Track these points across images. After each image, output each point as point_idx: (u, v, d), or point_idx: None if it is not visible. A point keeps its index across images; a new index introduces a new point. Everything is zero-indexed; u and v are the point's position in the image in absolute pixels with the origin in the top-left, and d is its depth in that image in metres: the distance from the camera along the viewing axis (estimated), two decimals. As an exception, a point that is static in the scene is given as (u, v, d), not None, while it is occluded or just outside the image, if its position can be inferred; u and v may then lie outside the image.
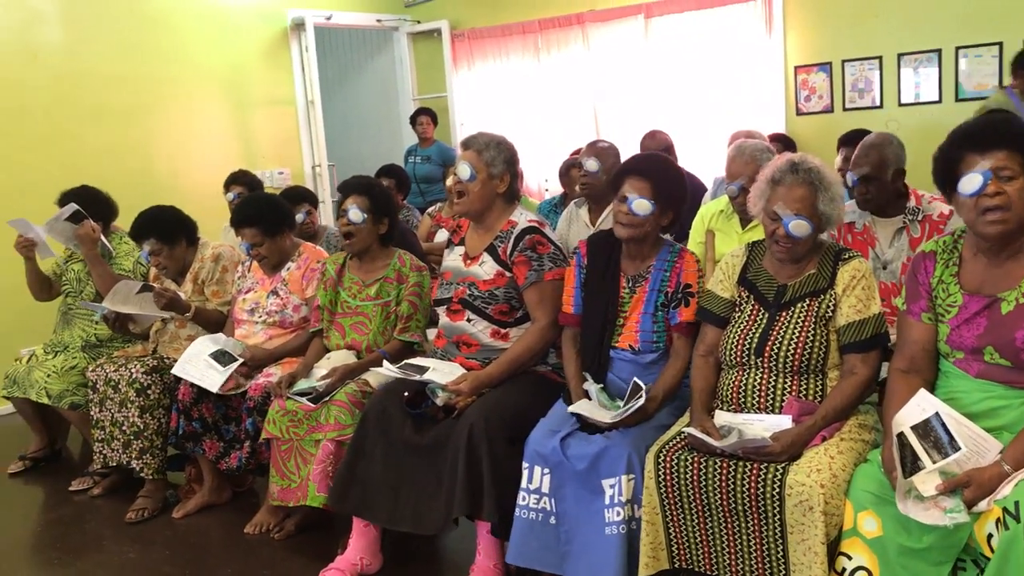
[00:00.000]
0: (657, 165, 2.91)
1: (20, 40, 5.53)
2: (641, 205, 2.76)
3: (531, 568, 2.75)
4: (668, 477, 2.40)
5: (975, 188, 2.12)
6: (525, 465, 2.71)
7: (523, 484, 2.70)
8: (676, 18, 6.53)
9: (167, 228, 3.87)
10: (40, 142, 5.54)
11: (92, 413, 3.86)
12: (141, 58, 6.11)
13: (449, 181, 5.31)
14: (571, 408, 2.71)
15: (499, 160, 3.08)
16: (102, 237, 4.15)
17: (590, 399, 2.75)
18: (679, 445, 2.45)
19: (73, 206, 4.07)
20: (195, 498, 3.79)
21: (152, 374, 3.75)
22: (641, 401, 2.60)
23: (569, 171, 4.94)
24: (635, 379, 2.69)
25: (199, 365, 3.49)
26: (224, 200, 5.21)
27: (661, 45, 6.62)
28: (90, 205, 4.18)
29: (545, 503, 2.69)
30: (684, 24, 6.51)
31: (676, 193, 2.87)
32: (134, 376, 3.73)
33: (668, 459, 2.41)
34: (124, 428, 3.75)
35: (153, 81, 6.18)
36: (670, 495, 2.40)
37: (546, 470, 2.68)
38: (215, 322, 3.85)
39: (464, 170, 3.07)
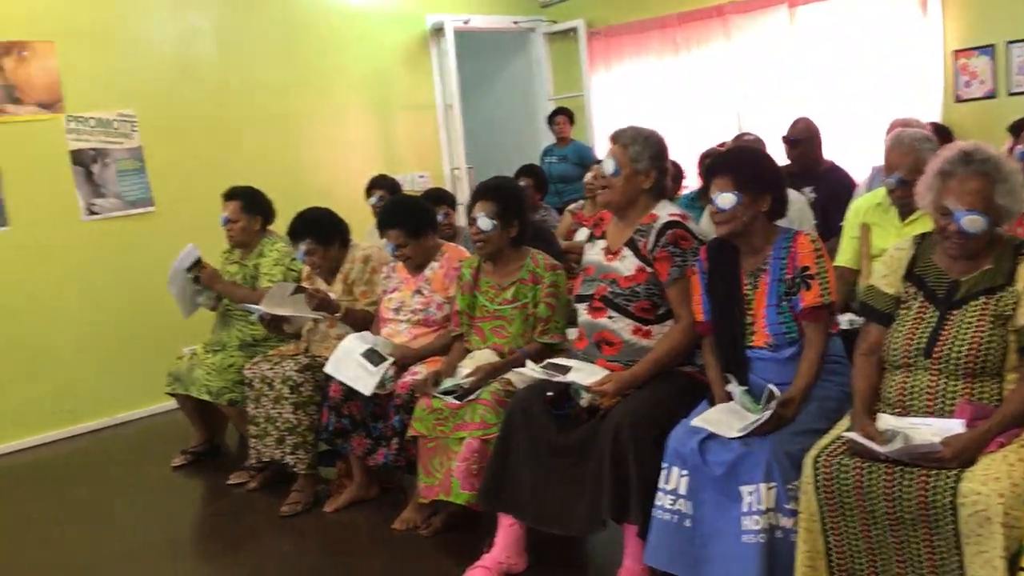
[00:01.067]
0: (733, 157, 2.88)
1: (180, 54, 5.84)
2: (724, 199, 2.69)
3: (668, 571, 2.67)
4: (828, 483, 2.28)
5: None
6: (664, 465, 2.63)
7: (660, 484, 2.63)
8: (823, 5, 6.27)
9: (323, 229, 4.00)
10: (200, 149, 5.85)
11: (248, 409, 4.02)
12: (289, 67, 6.34)
13: (588, 177, 5.29)
14: (694, 421, 2.62)
15: (645, 155, 3.02)
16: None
17: (732, 401, 2.67)
18: (839, 450, 2.33)
19: (192, 253, 4.28)
20: (345, 493, 3.89)
21: (304, 372, 3.87)
22: (768, 413, 2.49)
23: (707, 162, 4.82)
24: (769, 385, 2.59)
25: (351, 365, 3.57)
26: (366, 203, 5.35)
27: (807, 34, 6.36)
28: (252, 202, 4.41)
29: (682, 505, 2.61)
30: (832, 11, 6.24)
31: (764, 177, 2.77)
32: (288, 374, 3.86)
33: (827, 464, 2.29)
34: (278, 424, 3.89)
35: (300, 89, 6.40)
36: (830, 502, 2.28)
37: (684, 471, 2.59)
38: (363, 322, 3.94)
39: (608, 164, 3.02)
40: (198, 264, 4.30)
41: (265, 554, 3.58)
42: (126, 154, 5.59)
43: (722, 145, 5.76)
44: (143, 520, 4.04)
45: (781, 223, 2.84)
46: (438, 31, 7.17)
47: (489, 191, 3.53)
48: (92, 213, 5.48)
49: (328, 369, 3.64)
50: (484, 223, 3.42)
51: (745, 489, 2.47)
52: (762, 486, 2.43)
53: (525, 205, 3.66)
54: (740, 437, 2.51)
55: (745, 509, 2.46)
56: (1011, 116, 4.63)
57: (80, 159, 5.42)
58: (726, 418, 2.59)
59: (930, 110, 5.86)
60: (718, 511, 2.53)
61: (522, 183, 5.34)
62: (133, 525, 4.00)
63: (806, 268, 2.68)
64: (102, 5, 5.51)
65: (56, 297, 5.32)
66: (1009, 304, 2.32)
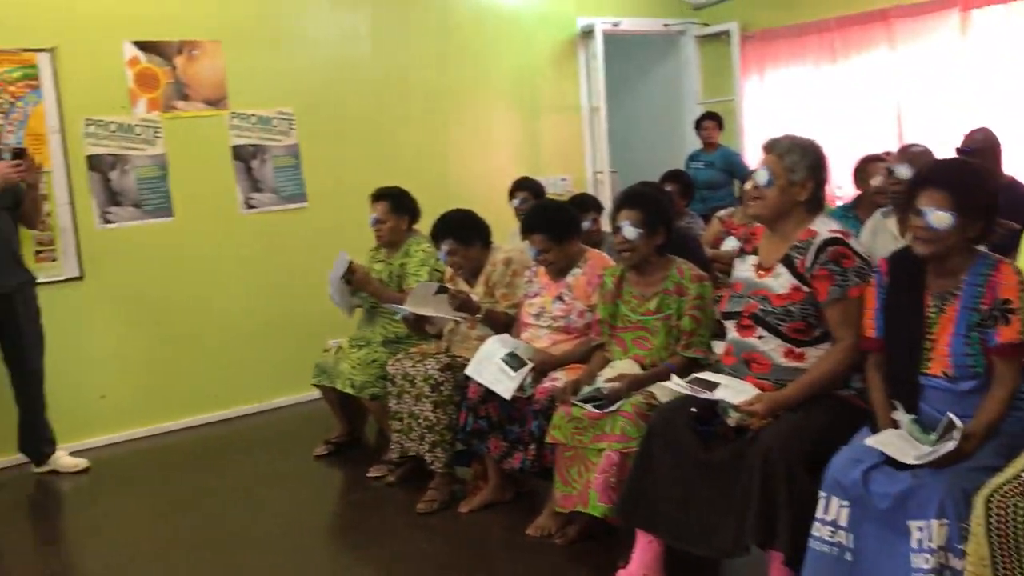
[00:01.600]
0: (956, 172, 2.62)
1: (337, 54, 6.02)
2: (940, 218, 2.47)
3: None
4: (1002, 526, 2.12)
5: None
6: (822, 494, 2.51)
7: (818, 514, 2.50)
8: (1000, 9, 5.89)
9: (465, 230, 4.04)
10: (353, 147, 6.02)
11: (391, 405, 4.10)
12: (440, 68, 6.45)
13: (748, 185, 5.11)
14: (870, 440, 2.47)
15: (802, 166, 2.89)
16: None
17: (899, 429, 2.51)
18: (1017, 491, 2.16)
19: (344, 260, 4.37)
20: (480, 495, 3.90)
21: (445, 371, 3.91)
22: (952, 444, 2.32)
23: (866, 166, 4.57)
24: (949, 414, 2.40)
25: (491, 368, 3.58)
26: (509, 205, 5.37)
27: (982, 40, 5.98)
28: (400, 203, 4.50)
29: (841, 537, 2.48)
30: (1008, 16, 5.85)
31: (982, 201, 2.54)
32: (429, 372, 3.91)
33: (1002, 505, 2.13)
34: (419, 421, 3.95)
35: (449, 89, 6.50)
36: (1003, 547, 2.12)
37: (845, 502, 2.47)
38: (503, 324, 3.95)
39: (761, 175, 2.91)
40: (350, 269, 4.41)
41: (400, 550, 3.63)
42: (283, 151, 5.80)
43: (888, 154, 5.49)
44: (285, 506, 4.18)
45: None
46: (587, 33, 7.14)
47: (634, 198, 3.47)
48: (249, 207, 5.71)
49: (469, 371, 3.66)
50: (629, 232, 3.37)
51: (914, 524, 2.33)
52: (934, 522, 2.29)
53: (671, 213, 3.59)
54: (911, 466, 2.36)
55: (915, 546, 2.32)
56: None
57: (240, 154, 5.67)
58: (900, 444, 2.44)
59: None
60: (883, 546, 2.39)
61: (667, 189, 5.24)
62: (275, 511, 4.13)
63: (1008, 301, 2.49)
64: (266, 6, 5.75)
65: (213, 286, 5.58)
66: None
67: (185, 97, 5.48)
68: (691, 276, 3.41)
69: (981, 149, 4.24)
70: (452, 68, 6.52)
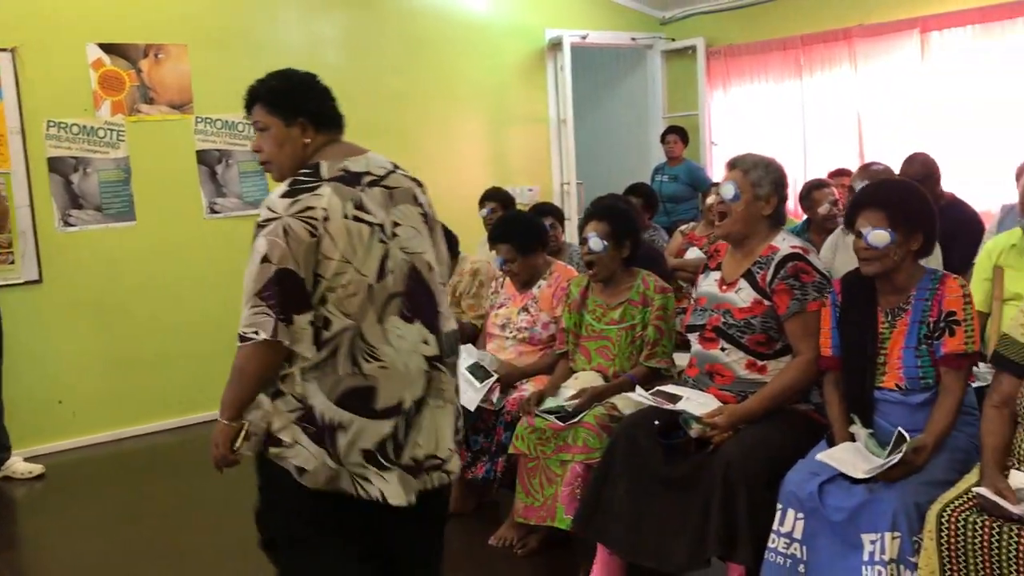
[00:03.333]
0: (890, 191, 2.71)
1: (307, 61, 5.86)
2: (878, 236, 2.55)
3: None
4: (952, 540, 2.17)
5: None
6: (779, 506, 2.55)
7: (775, 525, 2.55)
8: (957, 32, 6.03)
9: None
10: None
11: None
12: (409, 77, 6.45)
13: (710, 199, 5.19)
14: (820, 456, 2.52)
15: (766, 181, 2.94)
16: None
17: (855, 443, 2.56)
18: (967, 506, 2.21)
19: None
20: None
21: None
22: (898, 457, 2.38)
23: (811, 194, 4.67)
24: (899, 429, 2.46)
25: (463, 387, 3.57)
26: (478, 215, 5.39)
27: (939, 62, 6.12)
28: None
29: (796, 549, 2.52)
30: (966, 39, 5.99)
31: (919, 215, 2.62)
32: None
33: (953, 520, 2.18)
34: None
35: (419, 98, 6.51)
36: (953, 561, 2.17)
37: (800, 515, 2.51)
38: (469, 335, 3.96)
39: (728, 189, 2.95)
40: None
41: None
42: (249, 156, 5.75)
43: (837, 174, 5.59)
44: (244, 513, 4.04)
45: None
46: (555, 45, 7.18)
47: (601, 211, 3.50)
48: (213, 212, 5.67)
49: None
50: (596, 243, 3.40)
51: (867, 537, 2.37)
52: (887, 535, 2.33)
53: (638, 226, 3.62)
54: (865, 480, 2.41)
55: (866, 558, 2.37)
56: None
57: (205, 159, 5.63)
58: (852, 458, 2.49)
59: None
60: (836, 558, 2.44)
61: (632, 201, 5.29)
62: (234, 518, 3.99)
63: (952, 313, 2.55)
64: (233, 11, 5.72)
65: (175, 292, 5.52)
66: None
67: (150, 101, 5.43)
68: (656, 287, 3.45)
69: (922, 175, 4.30)
70: (421, 77, 6.53)
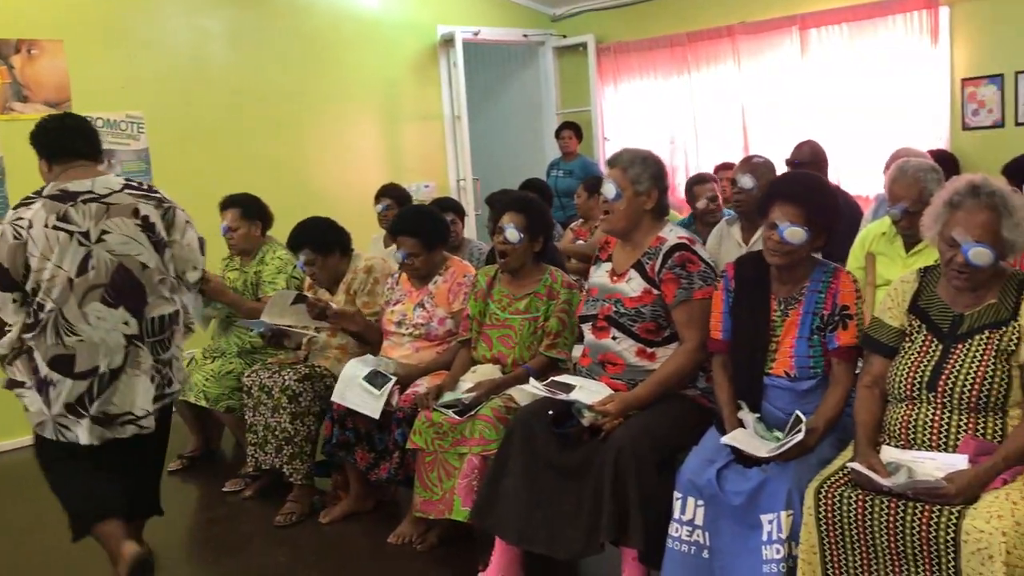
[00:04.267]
0: (808, 188, 2.75)
1: (192, 57, 5.86)
2: (794, 233, 2.60)
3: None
4: (829, 515, 2.27)
5: None
6: (678, 495, 2.62)
7: (675, 515, 2.62)
8: (833, 30, 6.28)
9: (322, 239, 3.99)
10: (208, 152, 5.85)
11: (246, 417, 4.00)
12: (300, 74, 6.36)
13: (578, 199, 5.38)
14: (725, 439, 2.60)
15: (645, 176, 3.01)
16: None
17: (745, 428, 2.65)
18: (842, 481, 2.31)
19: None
20: (341, 505, 3.87)
21: (304, 382, 3.85)
22: (800, 436, 2.47)
23: (692, 188, 4.83)
24: (796, 412, 2.56)
25: (355, 390, 3.54)
26: (373, 211, 5.35)
27: (816, 58, 6.37)
28: (251, 209, 4.41)
29: (699, 536, 2.60)
30: (842, 36, 6.25)
31: (830, 215, 2.72)
32: (287, 383, 3.85)
33: (829, 496, 2.28)
34: (276, 433, 3.87)
35: (310, 95, 6.42)
36: (831, 534, 2.27)
37: (700, 502, 2.59)
38: (370, 330, 3.92)
39: (609, 189, 3.02)
40: (203, 278, 4.29)
41: (258, 563, 3.56)
42: (132, 156, 5.59)
43: (722, 168, 5.77)
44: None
45: None
46: (448, 42, 7.18)
47: (520, 203, 3.55)
48: (96, 213, 5.47)
49: (335, 397, 3.60)
50: (512, 234, 3.42)
51: (765, 518, 2.46)
52: (782, 514, 2.42)
53: (550, 223, 3.68)
54: (766, 460, 2.48)
55: (765, 538, 2.45)
56: (1018, 145, 4.64)
57: (86, 159, 5.42)
58: (752, 440, 2.57)
59: (938, 138, 5.87)
60: (737, 541, 2.52)
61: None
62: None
63: (846, 307, 2.65)
64: (112, 5, 5.54)
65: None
66: (1013, 339, 2.32)
67: (24, 99, 5.21)
68: (563, 282, 3.51)
69: (809, 161, 4.50)
70: (312, 74, 6.44)
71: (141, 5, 5.67)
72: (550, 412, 2.98)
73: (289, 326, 3.93)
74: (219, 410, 4.27)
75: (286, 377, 3.87)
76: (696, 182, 4.86)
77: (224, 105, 5.97)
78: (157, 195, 3.10)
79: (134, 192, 3.04)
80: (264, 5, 6.26)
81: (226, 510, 4.12)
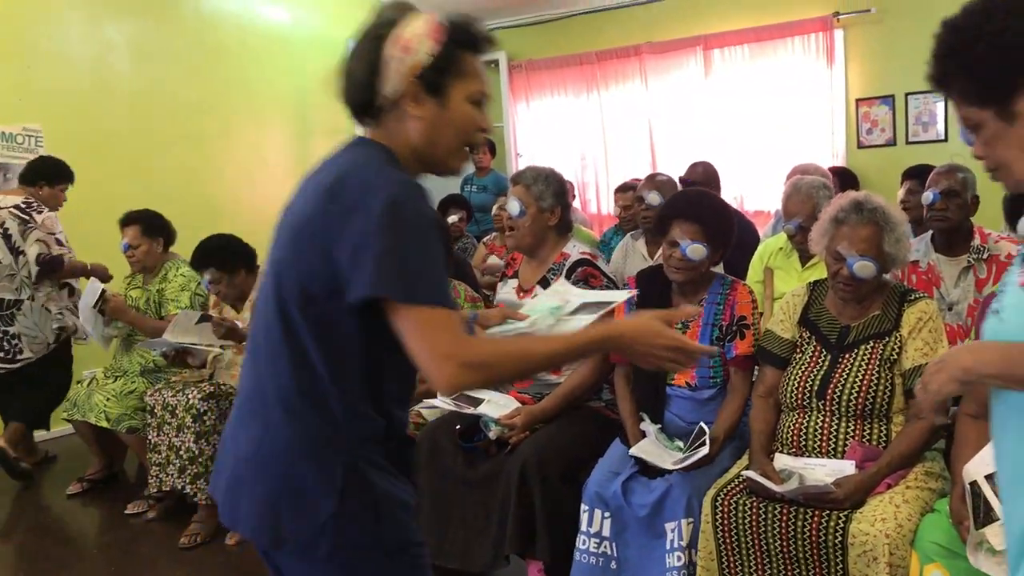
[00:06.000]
0: (706, 206, 2.84)
1: (94, 69, 5.70)
2: (696, 250, 2.69)
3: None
4: (725, 522, 2.34)
5: None
6: (584, 508, 2.66)
7: (582, 527, 2.66)
8: (735, 51, 6.49)
9: (226, 257, 3.92)
10: (115, 169, 5.69)
11: (150, 437, 3.91)
12: (207, 87, 6.25)
13: (495, 209, 5.41)
14: (632, 451, 2.65)
15: (548, 193, 3.07)
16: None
17: (647, 438, 2.71)
18: (738, 489, 2.39)
19: (96, 289, 4.20)
20: (248, 525, 3.79)
21: (209, 400, 3.79)
22: (705, 449, 2.54)
23: (616, 196, 4.95)
24: (701, 423, 2.63)
25: None
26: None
27: (720, 78, 6.57)
28: (152, 226, 4.32)
29: (606, 547, 2.64)
30: (743, 57, 6.47)
31: (727, 232, 2.82)
32: (191, 402, 3.77)
33: (726, 503, 2.35)
34: (180, 453, 3.79)
35: (218, 109, 6.32)
36: (727, 540, 2.34)
37: (607, 514, 2.63)
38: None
39: (514, 206, 3.06)
40: (103, 298, 4.19)
41: (162, 588, 3.48)
42: (28, 169, 5.41)
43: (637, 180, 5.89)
44: (35, 550, 3.88)
45: None
46: (359, 56, 7.15)
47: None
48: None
49: None
50: None
51: (668, 526, 2.52)
52: (683, 522, 2.48)
53: (452, 241, 3.69)
54: (671, 470, 2.53)
55: (668, 546, 2.51)
56: (909, 162, 4.86)
57: (-19, 173, 5.26)
58: (657, 451, 2.62)
59: (835, 155, 6.11)
60: (643, 551, 2.57)
61: (454, 216, 5.41)
62: (27, 554, 3.84)
63: (743, 318, 2.74)
64: (8, 14, 5.35)
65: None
66: (895, 348, 2.43)
67: (-88, 110, 5.00)
68: (466, 296, 3.52)
69: (702, 181, 4.63)
70: (219, 87, 6.34)
71: (39, 15, 5.50)
72: (457, 427, 3.00)
73: (193, 344, 3.86)
74: (121, 431, 4.16)
75: (190, 396, 3.80)
76: (622, 190, 4.95)
77: (127, 118, 5.82)
78: (29, 219, 4.40)
79: (10, 209, 4.33)
80: (169, 17, 6.14)
81: (128, 532, 4.01)
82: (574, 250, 3.08)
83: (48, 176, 4.69)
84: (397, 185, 1.48)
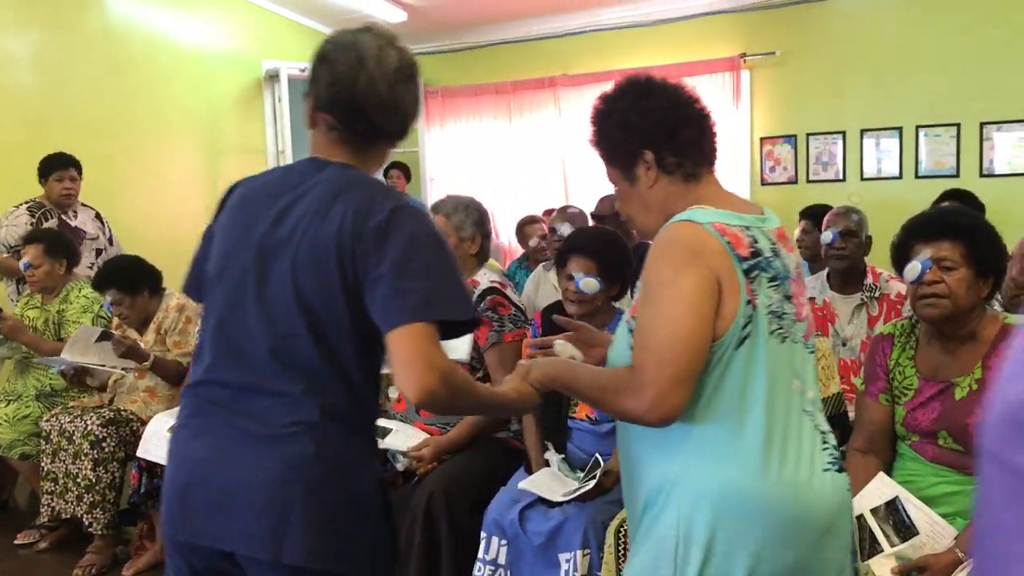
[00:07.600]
0: (600, 241, 2.92)
1: (-8, 81, 5.50)
2: (589, 284, 2.76)
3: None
4: (627, 552, 2.38)
5: (915, 276, 2.20)
6: (483, 534, 2.68)
7: (480, 554, 2.68)
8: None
9: (129, 279, 3.83)
10: (13, 185, 5.47)
11: (43, 464, 3.77)
12: (113, 104, 6.08)
13: None
14: (521, 484, 2.69)
15: (468, 223, 3.10)
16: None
17: (550, 468, 2.75)
18: (640, 520, 2.44)
19: None
20: (146, 555, 3.69)
21: (108, 426, 3.68)
22: (593, 482, 2.59)
23: (523, 229, 5.02)
24: (596, 455, 2.68)
25: (161, 444, 3.40)
26: (191, 247, 5.18)
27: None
28: (55, 245, 4.19)
29: (501, 575, 2.67)
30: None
31: (622, 266, 2.90)
32: (89, 428, 3.66)
33: (627, 534, 2.40)
34: (78, 481, 3.67)
35: (125, 128, 6.15)
36: (629, 571, 2.39)
37: (504, 541, 2.66)
38: (174, 372, 3.80)
39: None
40: None
41: (52, 622, 3.36)
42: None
43: (547, 213, 5.96)
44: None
45: None
46: (273, 77, 7.10)
47: None
48: None
49: (140, 453, 3.44)
50: None
51: (563, 556, 2.55)
52: (578, 553, 2.52)
53: None
54: (562, 502, 2.58)
55: None
56: (809, 200, 5.06)
57: None
58: (550, 482, 2.66)
59: (739, 191, 6.28)
60: None
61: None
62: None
63: None
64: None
65: None
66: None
67: None
68: None
69: (610, 215, 4.72)
70: (128, 104, 6.17)
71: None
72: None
73: (93, 364, 3.75)
74: (13, 457, 4.00)
75: (88, 421, 3.68)
76: (526, 223, 5.02)
77: (28, 133, 5.63)
78: None
79: None
80: (75, 30, 5.97)
81: (19, 563, 3.86)
82: (484, 278, 3.12)
83: None
84: (418, 211, 1.66)
